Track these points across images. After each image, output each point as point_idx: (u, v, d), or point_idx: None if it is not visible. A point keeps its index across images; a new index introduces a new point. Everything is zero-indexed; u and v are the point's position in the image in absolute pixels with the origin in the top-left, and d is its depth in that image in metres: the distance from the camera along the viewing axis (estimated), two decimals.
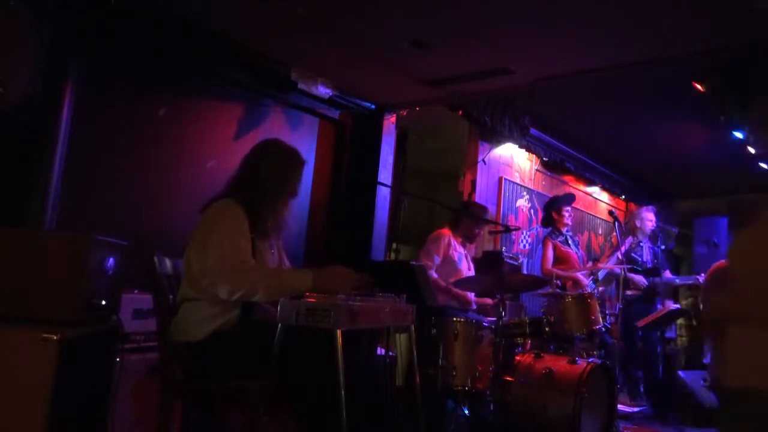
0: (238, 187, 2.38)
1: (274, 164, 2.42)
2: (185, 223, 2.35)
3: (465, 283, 3.87)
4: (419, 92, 4.42)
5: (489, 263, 4.46)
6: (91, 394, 2.15)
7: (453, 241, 4.12)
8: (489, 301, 4.16)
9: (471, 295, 4.10)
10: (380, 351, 2.86)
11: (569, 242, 5.20)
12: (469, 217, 4.18)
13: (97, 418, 2.21)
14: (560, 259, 5.12)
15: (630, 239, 5.38)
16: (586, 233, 7.22)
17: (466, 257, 4.21)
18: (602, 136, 6.04)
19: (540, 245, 6.20)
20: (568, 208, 5.19)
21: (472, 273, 4.21)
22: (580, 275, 5.02)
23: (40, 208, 2.83)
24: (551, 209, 5.23)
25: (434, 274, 3.98)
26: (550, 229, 5.27)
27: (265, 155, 2.45)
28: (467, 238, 4.25)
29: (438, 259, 4.05)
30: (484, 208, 4.41)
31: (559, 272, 4.92)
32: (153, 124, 3.63)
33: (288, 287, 2.19)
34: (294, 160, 2.49)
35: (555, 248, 5.14)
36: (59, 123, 2.91)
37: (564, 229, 5.18)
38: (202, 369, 2.22)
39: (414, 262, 3.11)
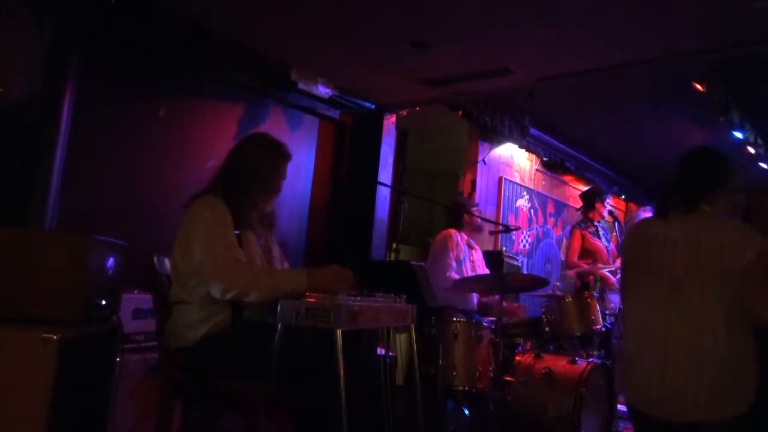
0: (220, 181, 2.36)
1: (255, 157, 2.38)
2: None
3: (466, 282, 3.87)
4: (419, 92, 4.42)
5: (489, 263, 4.45)
6: (91, 394, 2.15)
7: (459, 241, 4.11)
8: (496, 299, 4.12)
9: (473, 296, 4.09)
10: (380, 351, 2.86)
11: (600, 234, 4.88)
12: (464, 212, 4.17)
13: (97, 418, 2.21)
14: (588, 252, 4.80)
15: None
16: None
17: (471, 259, 4.19)
18: (602, 136, 6.05)
19: (543, 241, 6.21)
20: (609, 200, 4.90)
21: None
22: (606, 272, 4.64)
23: (40, 208, 2.83)
24: (595, 198, 4.89)
25: (455, 275, 3.89)
26: (580, 218, 4.95)
27: (247, 148, 2.42)
28: (475, 230, 4.23)
29: (453, 257, 4.03)
30: (467, 198, 4.38)
31: (584, 266, 4.69)
32: (153, 124, 3.63)
33: (283, 287, 2.18)
34: (275, 153, 2.43)
35: (584, 239, 4.81)
36: (59, 123, 2.90)
37: (597, 221, 4.88)
38: (199, 372, 2.21)
39: (414, 262, 3.11)
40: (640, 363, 2.15)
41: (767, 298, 1.99)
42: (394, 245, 3.92)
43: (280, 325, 2.06)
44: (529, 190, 6.16)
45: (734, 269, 2.00)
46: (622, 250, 2.49)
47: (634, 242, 2.37)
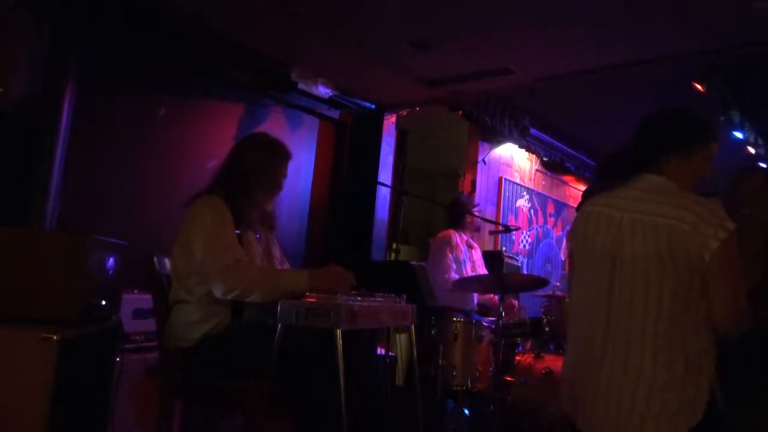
0: (221, 180, 2.37)
1: (255, 157, 2.38)
2: None
3: (466, 283, 3.87)
4: (419, 92, 4.42)
5: (489, 263, 4.45)
6: (91, 394, 2.15)
7: (459, 242, 4.12)
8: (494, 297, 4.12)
9: (473, 295, 4.09)
10: (380, 351, 2.86)
11: None
12: (466, 211, 4.18)
13: (97, 418, 2.21)
14: None
15: None
16: None
17: (471, 260, 4.20)
18: (602, 136, 6.03)
19: (543, 241, 6.19)
20: None
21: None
22: None
23: (40, 208, 2.83)
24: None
25: (454, 276, 3.89)
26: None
27: (247, 148, 2.43)
28: (475, 230, 4.26)
29: (452, 258, 4.02)
30: (468, 196, 4.45)
31: None
32: (153, 124, 3.63)
33: (283, 287, 2.18)
34: (275, 152, 2.44)
35: None
36: (59, 123, 2.91)
37: None
38: (199, 373, 2.21)
39: (414, 262, 3.11)
40: (577, 378, 1.76)
41: (727, 305, 1.61)
42: (394, 245, 3.91)
43: (280, 325, 2.06)
44: (529, 190, 6.16)
45: (690, 260, 1.58)
46: (568, 236, 1.98)
47: (576, 226, 1.89)
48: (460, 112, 4.85)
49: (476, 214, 4.23)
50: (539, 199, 6.32)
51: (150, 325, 2.60)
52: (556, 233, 6.67)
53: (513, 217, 5.86)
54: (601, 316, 1.69)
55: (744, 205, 2.20)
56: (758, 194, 2.30)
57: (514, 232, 5.73)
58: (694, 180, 1.77)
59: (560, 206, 6.77)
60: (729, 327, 1.64)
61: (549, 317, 3.66)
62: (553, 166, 6.43)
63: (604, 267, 1.70)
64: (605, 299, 1.69)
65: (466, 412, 3.49)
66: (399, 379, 3.57)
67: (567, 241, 1.96)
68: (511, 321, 3.79)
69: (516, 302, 4.14)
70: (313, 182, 4.75)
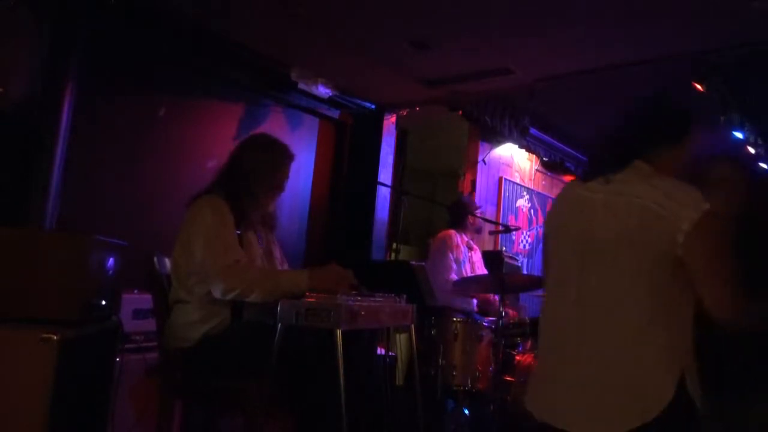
0: (222, 180, 2.37)
1: (257, 157, 2.39)
2: None
3: (465, 283, 3.87)
4: (419, 92, 4.42)
5: (489, 263, 4.45)
6: (91, 394, 2.15)
7: (459, 242, 4.12)
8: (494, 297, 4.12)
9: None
10: (380, 351, 2.87)
11: None
12: (469, 213, 4.19)
13: (97, 418, 2.21)
14: None
15: None
16: None
17: (470, 261, 4.20)
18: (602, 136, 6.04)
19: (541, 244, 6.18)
20: None
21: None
22: None
23: (40, 208, 2.83)
24: None
25: (454, 277, 3.89)
26: None
27: (249, 148, 2.44)
28: (477, 232, 4.27)
29: (453, 258, 4.02)
30: (470, 197, 4.56)
31: None
32: (153, 124, 3.63)
33: (283, 287, 2.18)
34: (277, 153, 2.45)
35: None
36: (59, 123, 2.91)
37: None
38: (199, 373, 2.21)
39: (414, 262, 3.11)
40: (548, 371, 1.68)
41: (716, 291, 1.47)
42: (394, 245, 3.92)
43: (280, 325, 2.06)
44: (529, 190, 6.16)
45: (663, 243, 1.49)
46: (543, 222, 1.91)
47: (551, 210, 1.84)
48: (460, 112, 4.85)
49: (478, 215, 4.24)
50: (539, 199, 6.32)
51: (150, 325, 2.61)
52: None
53: (513, 217, 5.86)
54: (569, 303, 1.61)
55: (713, 191, 2.16)
56: (727, 181, 2.28)
57: (514, 232, 5.73)
58: (682, 168, 1.72)
59: None
60: (727, 313, 1.48)
61: None
62: (553, 166, 6.43)
63: (576, 250, 1.62)
64: (575, 284, 1.60)
65: (466, 412, 3.50)
66: (399, 379, 3.58)
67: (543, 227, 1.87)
68: (511, 321, 3.79)
69: (514, 313, 4.15)
70: (313, 182, 4.75)
